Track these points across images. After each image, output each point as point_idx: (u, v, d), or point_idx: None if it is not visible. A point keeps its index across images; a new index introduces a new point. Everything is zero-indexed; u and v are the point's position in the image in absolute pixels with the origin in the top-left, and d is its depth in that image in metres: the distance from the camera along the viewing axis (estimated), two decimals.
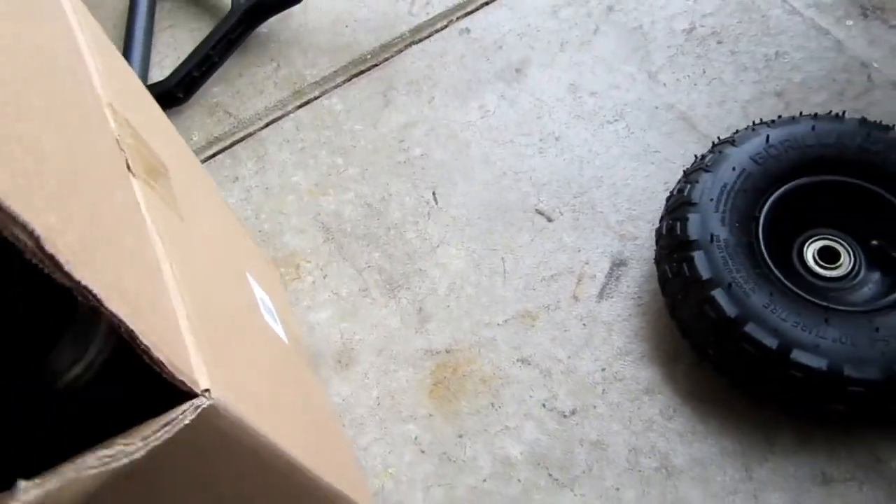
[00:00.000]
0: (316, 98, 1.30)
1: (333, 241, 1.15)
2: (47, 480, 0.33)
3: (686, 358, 0.97)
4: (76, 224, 0.37)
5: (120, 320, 0.36)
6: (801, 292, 0.86)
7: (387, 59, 1.33)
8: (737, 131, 1.00)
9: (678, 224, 0.92)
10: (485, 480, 0.93)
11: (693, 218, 0.91)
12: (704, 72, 1.22)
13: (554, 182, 1.14)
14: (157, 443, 0.38)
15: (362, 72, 1.32)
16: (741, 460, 0.90)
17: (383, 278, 1.10)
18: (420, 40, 1.34)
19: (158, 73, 1.39)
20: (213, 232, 0.74)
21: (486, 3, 1.37)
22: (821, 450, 0.90)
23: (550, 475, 0.92)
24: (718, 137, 1.03)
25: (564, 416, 0.96)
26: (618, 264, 1.06)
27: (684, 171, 0.99)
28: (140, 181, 0.56)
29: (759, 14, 1.27)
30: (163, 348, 0.39)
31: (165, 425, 0.39)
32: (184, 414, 0.40)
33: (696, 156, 1.00)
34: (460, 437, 0.96)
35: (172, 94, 1.29)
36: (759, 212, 0.92)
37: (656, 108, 1.19)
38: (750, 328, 0.83)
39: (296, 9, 1.39)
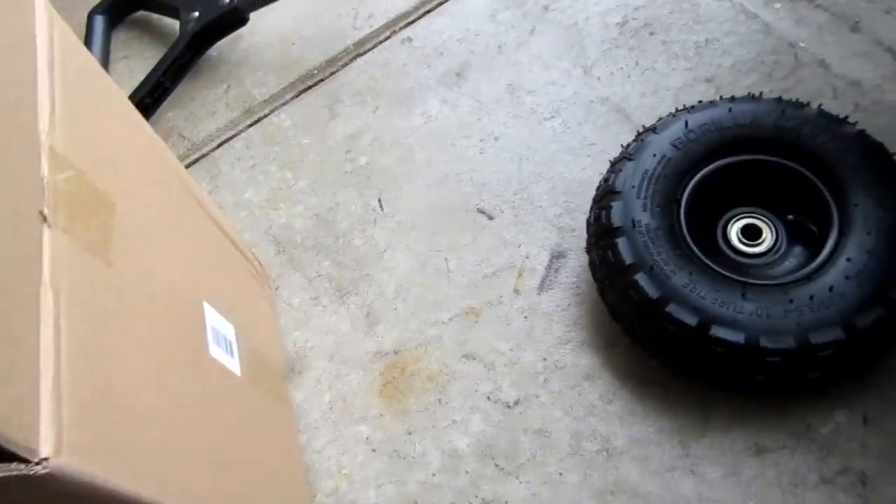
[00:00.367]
0: (265, 116, 1.34)
1: (285, 253, 1.18)
2: None
3: (623, 343, 0.99)
4: None
5: None
6: (720, 270, 0.89)
7: (333, 73, 1.37)
8: (659, 119, 1.03)
9: (603, 213, 0.95)
10: (434, 475, 0.96)
11: (616, 206, 0.94)
12: (637, 63, 1.25)
13: (494, 181, 1.18)
14: None
15: (309, 87, 1.36)
16: (678, 438, 0.93)
17: (333, 286, 1.13)
18: (364, 52, 1.38)
19: None
20: (163, 265, 0.76)
21: (428, 12, 1.40)
22: (754, 422, 0.92)
23: (497, 465, 0.95)
24: (643, 126, 1.06)
25: (509, 407, 0.99)
26: (557, 256, 1.09)
27: (610, 162, 1.02)
28: (57, 231, 0.58)
29: (689, 3, 1.30)
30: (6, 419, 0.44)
31: None
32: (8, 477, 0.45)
33: (620, 145, 1.03)
34: (410, 434, 0.99)
35: None
36: (681, 195, 0.95)
37: (591, 101, 1.22)
38: (671, 308, 0.86)
39: (244, 30, 1.43)
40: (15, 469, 0.46)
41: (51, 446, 0.48)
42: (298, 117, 1.33)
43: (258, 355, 0.93)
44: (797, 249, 0.95)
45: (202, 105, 1.39)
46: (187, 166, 1.31)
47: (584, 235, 1.09)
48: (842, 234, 0.89)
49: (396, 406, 1.02)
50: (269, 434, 0.95)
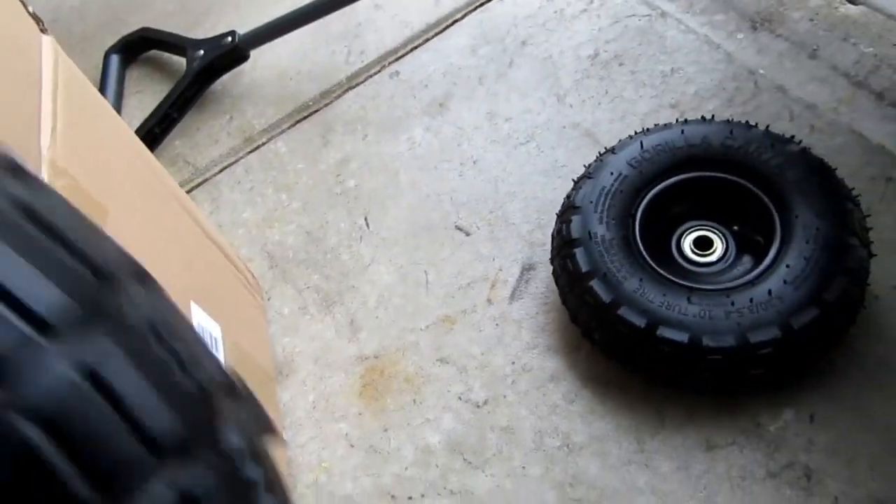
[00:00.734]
0: (264, 143, 1.45)
1: (277, 267, 1.27)
2: None
3: (585, 347, 1.06)
4: None
5: None
6: (669, 276, 0.96)
7: (326, 105, 1.48)
8: (619, 141, 1.11)
9: (564, 226, 1.03)
10: (407, 468, 1.03)
11: (575, 219, 1.02)
12: (607, 91, 1.34)
13: (472, 200, 1.26)
14: None
15: (305, 117, 1.47)
16: (634, 434, 0.99)
17: (320, 296, 1.22)
18: (356, 85, 1.49)
19: None
20: (151, 268, 0.85)
21: (415, 48, 1.51)
22: (707, 420, 0.98)
23: (465, 459, 1.02)
24: (605, 147, 1.14)
25: (478, 406, 1.06)
26: (527, 269, 1.17)
27: (573, 181, 1.10)
28: None
29: (656, 35, 1.39)
30: None
31: None
32: None
33: (583, 166, 1.12)
34: (386, 431, 1.06)
35: None
36: (636, 209, 1.03)
37: (564, 127, 1.31)
38: (623, 311, 0.94)
39: (246, 66, 1.55)
40: None
41: None
42: (294, 144, 1.43)
43: (244, 354, 1.01)
44: (745, 258, 1.02)
45: (207, 134, 1.50)
46: (192, 190, 1.42)
47: None
48: (783, 243, 0.96)
49: (375, 405, 1.09)
50: None
